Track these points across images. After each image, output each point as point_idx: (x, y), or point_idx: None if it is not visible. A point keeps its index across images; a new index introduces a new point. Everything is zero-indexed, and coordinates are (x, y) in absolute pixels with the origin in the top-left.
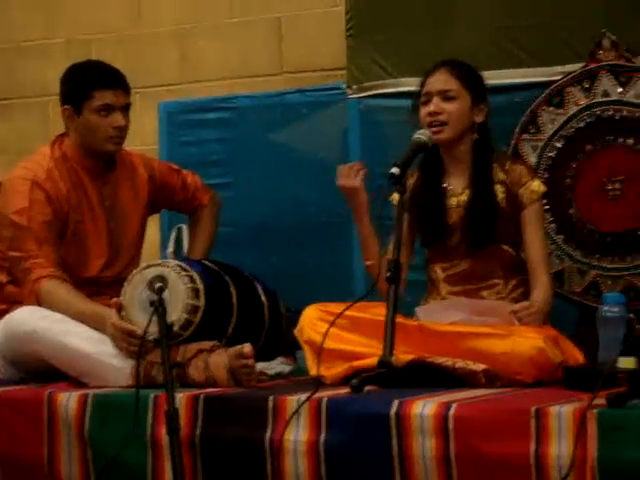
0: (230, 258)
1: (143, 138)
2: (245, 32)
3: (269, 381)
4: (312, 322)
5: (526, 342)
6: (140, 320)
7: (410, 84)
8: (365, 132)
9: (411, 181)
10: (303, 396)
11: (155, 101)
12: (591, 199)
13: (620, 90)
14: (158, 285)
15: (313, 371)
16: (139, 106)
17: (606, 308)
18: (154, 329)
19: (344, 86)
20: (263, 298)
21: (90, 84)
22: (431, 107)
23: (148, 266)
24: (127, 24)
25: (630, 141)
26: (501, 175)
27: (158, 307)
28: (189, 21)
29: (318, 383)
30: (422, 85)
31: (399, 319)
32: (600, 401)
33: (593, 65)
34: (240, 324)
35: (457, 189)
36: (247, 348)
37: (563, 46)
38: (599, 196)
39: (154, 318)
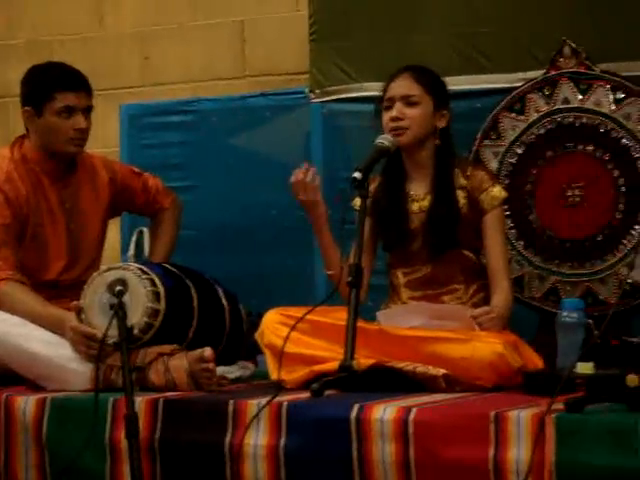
0: (191, 262)
1: (104, 140)
2: (208, 35)
3: (229, 385)
4: (273, 326)
5: (486, 347)
6: (100, 323)
7: (373, 89)
8: (328, 136)
9: (373, 186)
10: (263, 400)
11: (117, 103)
12: (551, 205)
13: (580, 97)
14: (118, 288)
15: (274, 375)
16: (101, 108)
17: (565, 314)
18: (114, 332)
19: (307, 90)
20: (224, 302)
21: (51, 86)
22: (393, 112)
23: (108, 269)
24: (89, 25)
25: (590, 148)
26: (463, 181)
27: (118, 310)
28: (152, 23)
29: (279, 387)
30: (385, 90)
31: (360, 323)
32: (559, 406)
33: (554, 72)
34: (201, 328)
35: (419, 194)
36: (208, 352)
37: (525, 53)
38: (559, 202)
39: (114, 321)
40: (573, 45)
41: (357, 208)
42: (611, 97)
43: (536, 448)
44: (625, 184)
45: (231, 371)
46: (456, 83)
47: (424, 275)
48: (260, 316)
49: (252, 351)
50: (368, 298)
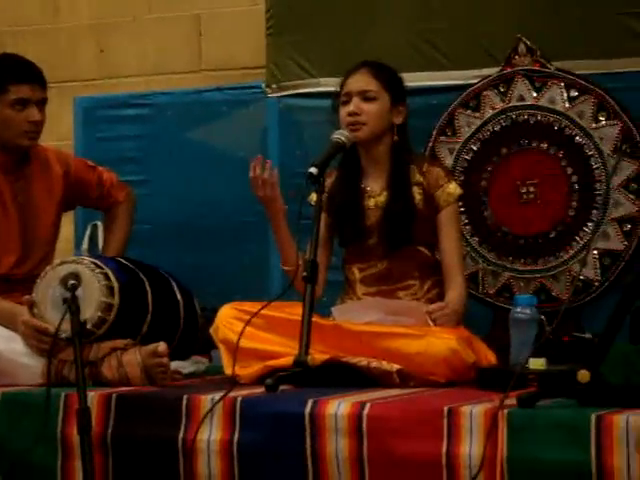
0: (146, 256)
1: (58, 133)
2: (164, 28)
3: (183, 380)
4: (228, 321)
5: (440, 343)
6: (53, 318)
7: (330, 84)
8: (284, 131)
9: (329, 181)
10: (217, 395)
11: (71, 96)
12: (505, 202)
13: (535, 95)
14: (71, 282)
15: (228, 370)
16: (55, 101)
17: (518, 310)
18: (67, 327)
19: (264, 85)
20: (179, 296)
21: (5, 77)
22: (351, 107)
23: (61, 263)
24: (44, 17)
25: (544, 145)
26: (419, 177)
27: (71, 305)
28: (107, 16)
29: (233, 382)
30: (342, 85)
31: (315, 319)
32: (511, 401)
33: (509, 70)
34: (155, 322)
35: (375, 190)
36: (162, 346)
37: (480, 50)
38: (513, 199)
39: (67, 316)
40: (528, 43)
41: (313, 203)
42: (565, 95)
43: (488, 443)
44: (578, 181)
45: (185, 366)
46: (413, 79)
47: (379, 271)
48: (215, 311)
49: (206, 346)
50: (324, 294)
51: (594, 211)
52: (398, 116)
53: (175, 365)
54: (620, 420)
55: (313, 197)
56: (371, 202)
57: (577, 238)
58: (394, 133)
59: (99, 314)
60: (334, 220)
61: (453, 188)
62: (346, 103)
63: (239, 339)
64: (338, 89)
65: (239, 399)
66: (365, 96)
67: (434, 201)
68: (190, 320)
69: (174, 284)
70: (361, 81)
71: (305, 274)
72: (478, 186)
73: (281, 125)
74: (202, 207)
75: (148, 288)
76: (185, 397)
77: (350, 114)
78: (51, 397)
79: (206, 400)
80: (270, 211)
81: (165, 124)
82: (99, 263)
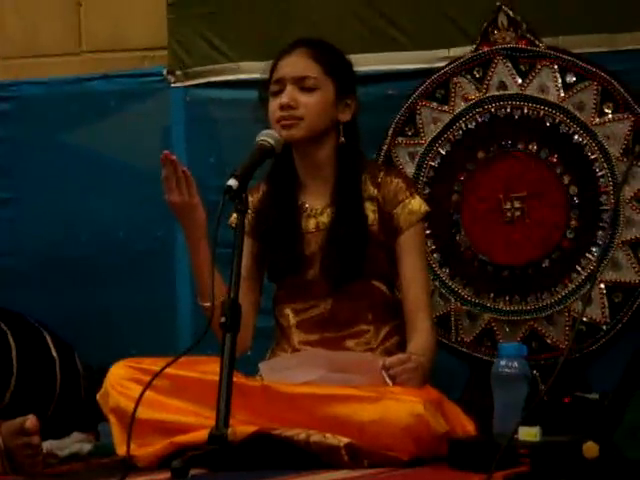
0: (9, 299)
1: None
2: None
3: (61, 466)
4: (120, 384)
5: (401, 407)
6: None
7: (253, 70)
8: (193, 132)
9: (256, 197)
10: None
11: None
12: (484, 222)
13: (520, 81)
14: None
15: (121, 450)
16: None
17: (503, 363)
18: None
19: (165, 71)
20: (54, 353)
21: None
22: (284, 98)
23: None
24: None
25: (533, 147)
26: (372, 190)
27: None
28: None
29: (128, 466)
30: (272, 70)
31: (237, 379)
32: None
33: (486, 49)
34: (21, 388)
35: (316, 208)
36: (30, 421)
37: (449, 24)
38: (494, 218)
39: None
40: (511, 13)
41: (234, 226)
42: (559, 81)
43: None
44: (578, 193)
45: (63, 446)
46: (361, 63)
47: (322, 313)
48: (103, 371)
49: (92, 418)
50: (251, 345)
51: (600, 232)
52: (345, 111)
53: (49, 446)
54: None
55: (233, 218)
56: (310, 223)
57: (578, 268)
58: (340, 133)
59: None
60: (262, 247)
61: (417, 204)
62: (278, 93)
63: (136, 407)
64: (266, 76)
65: None
66: (302, 85)
67: (392, 221)
68: (69, 384)
69: (47, 337)
70: (297, 65)
71: (223, 319)
72: (448, 201)
73: (188, 124)
74: (84, 233)
75: (12, 342)
76: None
77: (282, 107)
78: None
79: None
80: (188, 224)
81: (34, 123)
82: None
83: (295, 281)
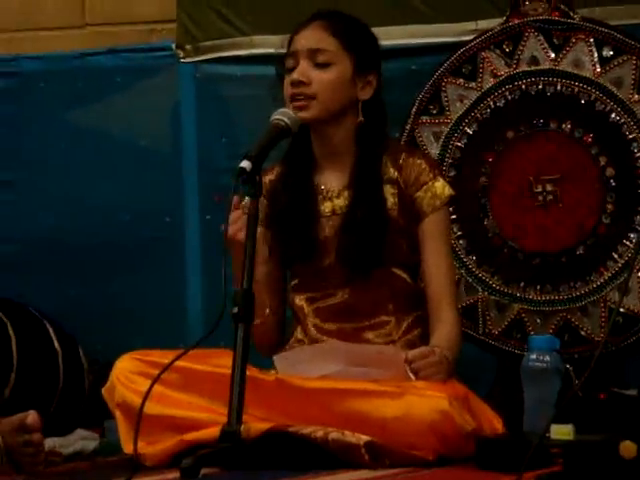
0: (9, 288)
1: None
2: None
3: (64, 464)
4: (127, 377)
5: (425, 403)
6: None
7: (267, 44)
8: (203, 110)
9: (269, 178)
10: None
11: None
12: (513, 206)
13: (553, 56)
14: None
15: (128, 448)
16: None
17: (534, 357)
18: None
19: (174, 46)
20: (57, 345)
21: None
22: (294, 74)
23: None
24: None
25: (566, 126)
26: (392, 172)
27: None
28: None
29: (135, 466)
30: (289, 45)
31: (251, 372)
32: None
33: (517, 21)
34: (22, 382)
35: (333, 190)
36: (31, 418)
37: None
38: (524, 202)
39: None
40: None
41: (247, 211)
42: (595, 55)
43: None
44: (615, 176)
45: (67, 444)
46: (383, 36)
47: (339, 303)
48: (109, 365)
49: (97, 414)
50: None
51: (638, 217)
52: (365, 89)
53: (52, 443)
54: None
55: (247, 202)
56: (327, 206)
57: (615, 255)
58: (359, 113)
59: None
60: (274, 231)
61: (441, 188)
62: (292, 70)
63: (143, 403)
64: (282, 51)
65: None
66: (316, 60)
67: (414, 206)
68: (73, 378)
69: (50, 328)
70: (311, 38)
71: (235, 309)
72: (475, 184)
73: (199, 101)
74: (89, 218)
75: (12, 333)
76: None
77: (294, 83)
78: None
79: None
80: (237, 251)
81: (35, 101)
82: None
83: (310, 268)
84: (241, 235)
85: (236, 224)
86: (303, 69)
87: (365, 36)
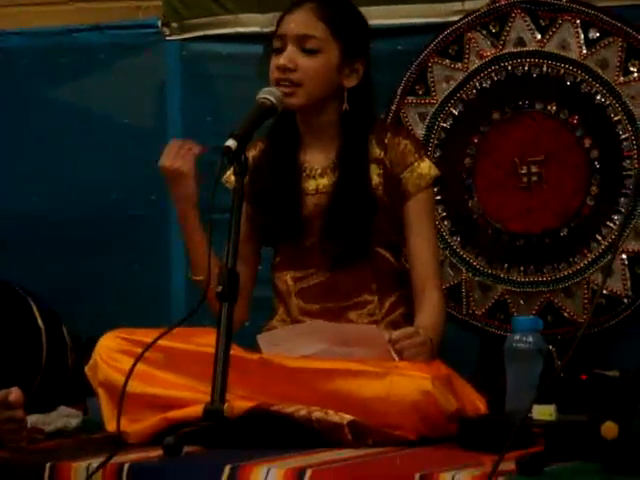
0: None
1: None
2: None
3: (47, 441)
4: (110, 356)
5: (408, 383)
6: None
7: (253, 22)
8: (189, 88)
9: (253, 153)
10: (95, 461)
11: None
12: (498, 187)
13: (539, 37)
14: None
15: (111, 425)
16: None
17: (516, 337)
18: None
19: (159, 23)
20: (40, 322)
21: None
22: (281, 59)
23: None
24: None
25: (552, 108)
26: (378, 152)
27: None
28: None
29: (118, 443)
30: (278, 23)
31: (234, 351)
32: (508, 466)
33: (503, 2)
34: (4, 359)
35: (317, 168)
36: (14, 394)
37: None
38: (509, 183)
39: None
40: None
41: (228, 186)
42: (582, 37)
43: None
44: (600, 157)
45: (49, 421)
46: (369, 16)
47: (322, 282)
48: (92, 342)
49: (80, 392)
50: (248, 317)
51: (622, 199)
52: (351, 77)
53: (35, 420)
54: None
55: (231, 180)
56: (310, 184)
57: (598, 237)
58: (344, 100)
59: None
60: (256, 208)
61: (426, 168)
62: (279, 51)
63: (126, 381)
64: (268, 30)
65: (126, 466)
66: (304, 45)
67: (400, 186)
68: (56, 355)
69: (34, 305)
70: (301, 22)
71: (220, 289)
72: (460, 165)
73: (185, 79)
74: (72, 196)
75: None
76: (49, 465)
77: (280, 68)
78: None
79: (79, 469)
80: (178, 192)
81: (18, 78)
82: None
83: (293, 247)
84: (176, 164)
85: (168, 154)
86: (290, 54)
87: (355, 22)
